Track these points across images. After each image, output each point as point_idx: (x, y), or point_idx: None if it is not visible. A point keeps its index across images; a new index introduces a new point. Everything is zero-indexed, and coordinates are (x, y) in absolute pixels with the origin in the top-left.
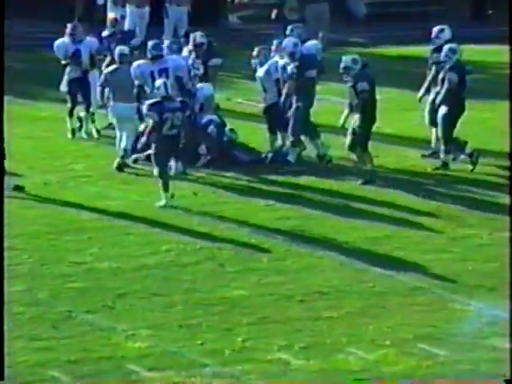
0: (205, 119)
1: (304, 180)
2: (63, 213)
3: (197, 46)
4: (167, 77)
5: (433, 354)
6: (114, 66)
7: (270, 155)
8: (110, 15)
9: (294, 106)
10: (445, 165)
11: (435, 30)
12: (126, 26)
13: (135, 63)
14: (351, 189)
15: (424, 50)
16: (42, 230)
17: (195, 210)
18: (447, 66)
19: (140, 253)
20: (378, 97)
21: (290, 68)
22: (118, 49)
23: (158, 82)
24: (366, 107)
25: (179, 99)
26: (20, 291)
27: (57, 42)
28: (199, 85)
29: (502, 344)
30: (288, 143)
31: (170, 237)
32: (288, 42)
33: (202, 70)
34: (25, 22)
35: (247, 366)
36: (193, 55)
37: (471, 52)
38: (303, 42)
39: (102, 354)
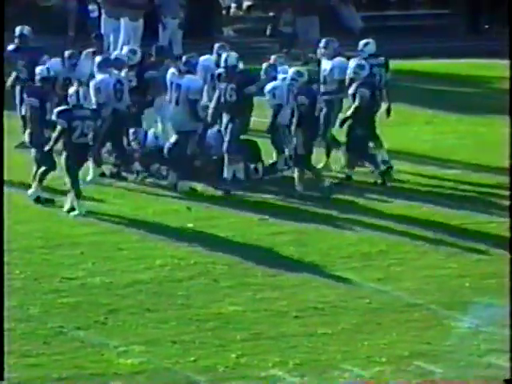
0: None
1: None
2: (56, 227)
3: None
4: (180, 93)
5: (429, 371)
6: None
7: (260, 168)
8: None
9: (228, 123)
10: (348, 178)
11: (360, 43)
12: (121, 38)
13: (170, 70)
14: (345, 202)
15: (421, 64)
16: (35, 245)
17: (189, 225)
18: (357, 83)
19: (133, 268)
20: None
21: (229, 86)
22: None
23: (71, 89)
24: (304, 121)
25: (91, 107)
26: (12, 307)
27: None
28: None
29: (498, 361)
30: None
31: (163, 252)
32: (230, 57)
33: (134, 83)
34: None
35: (241, 383)
36: (125, 68)
37: (467, 66)
38: (333, 56)
39: (93, 371)
